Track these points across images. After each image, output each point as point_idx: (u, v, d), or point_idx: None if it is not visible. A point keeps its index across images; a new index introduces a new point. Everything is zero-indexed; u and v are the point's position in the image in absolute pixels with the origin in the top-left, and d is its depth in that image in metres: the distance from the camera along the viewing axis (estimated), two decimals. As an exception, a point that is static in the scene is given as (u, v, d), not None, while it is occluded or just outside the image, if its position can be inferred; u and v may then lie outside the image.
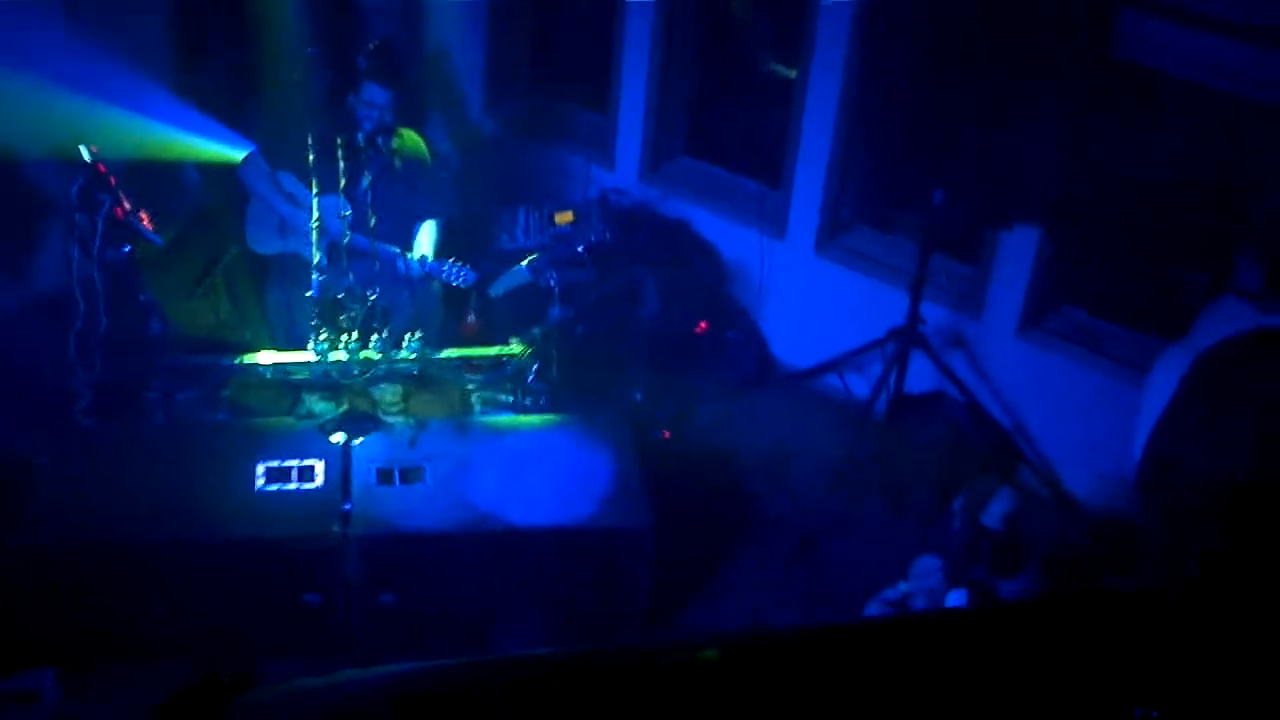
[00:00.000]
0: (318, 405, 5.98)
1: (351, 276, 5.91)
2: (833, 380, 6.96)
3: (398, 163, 6.11)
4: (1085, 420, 6.32)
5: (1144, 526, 5.45)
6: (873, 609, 5.53)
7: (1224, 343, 4.99)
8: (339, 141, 5.70)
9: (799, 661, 1.71)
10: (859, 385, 6.76)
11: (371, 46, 6.09)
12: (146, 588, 5.31)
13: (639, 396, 6.81)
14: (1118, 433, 5.81)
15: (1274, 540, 5.06)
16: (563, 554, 5.53)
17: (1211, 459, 5.01)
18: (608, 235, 6.95)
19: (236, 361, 6.08)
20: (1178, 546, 5.26)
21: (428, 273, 6.05)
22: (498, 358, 6.27)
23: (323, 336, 5.97)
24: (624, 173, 7.41)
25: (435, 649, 5.52)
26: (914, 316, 6.29)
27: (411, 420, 5.88)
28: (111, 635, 5.35)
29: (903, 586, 5.61)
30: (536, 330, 6.25)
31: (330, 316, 5.97)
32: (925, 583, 5.55)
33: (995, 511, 5.20)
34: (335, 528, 5.35)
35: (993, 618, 1.75)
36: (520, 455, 5.73)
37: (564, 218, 6.99)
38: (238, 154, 6.19)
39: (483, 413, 6.16)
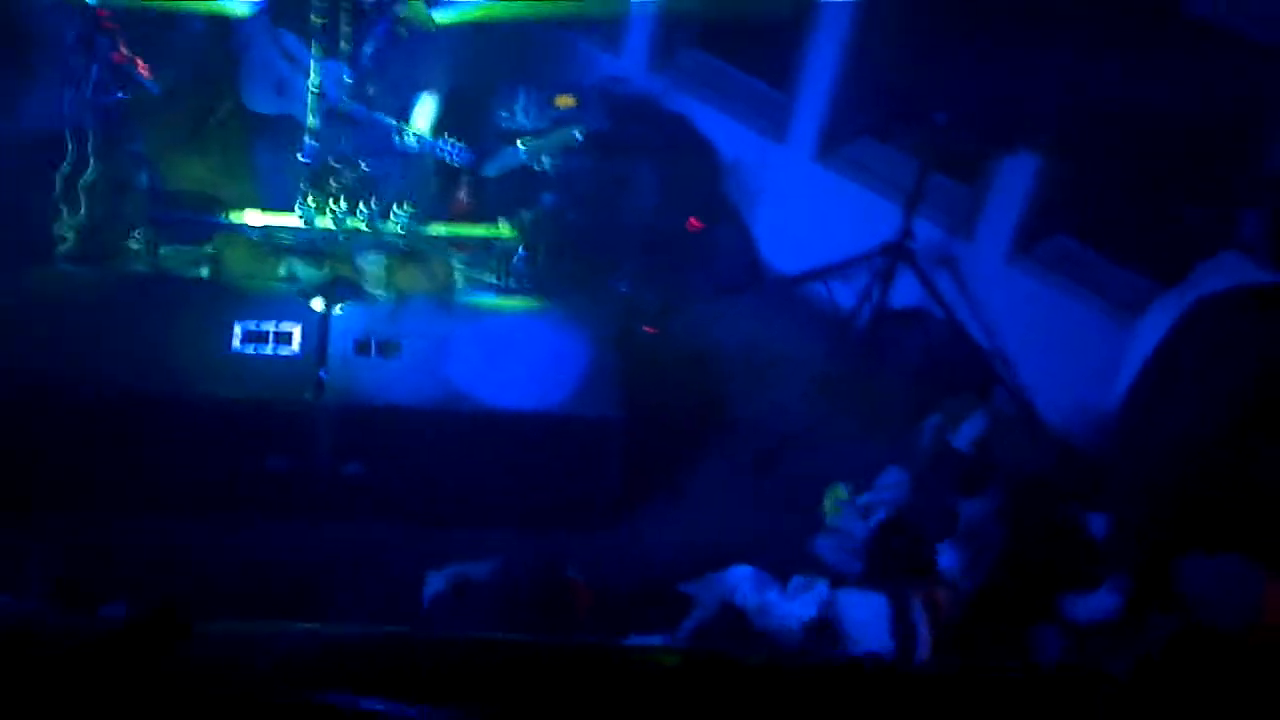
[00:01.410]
0: (301, 270, 5.96)
1: (345, 144, 5.85)
2: (819, 289, 6.94)
3: (403, 32, 6.02)
4: (1065, 351, 6.32)
5: (1113, 462, 5.49)
6: (836, 518, 5.58)
7: (1220, 294, 4.99)
8: (345, 5, 5.62)
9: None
10: (844, 296, 6.74)
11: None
12: (113, 437, 5.32)
13: (625, 289, 6.79)
14: (1096, 366, 5.84)
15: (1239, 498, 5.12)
16: (533, 439, 5.55)
17: (1194, 407, 5.04)
18: (607, 124, 6.88)
19: (222, 219, 6.04)
20: (1145, 486, 5.31)
21: (422, 147, 6.00)
22: (486, 238, 6.24)
23: (311, 202, 5.93)
24: (632, 61, 7.32)
25: (397, 523, 5.57)
26: (905, 232, 6.26)
27: (394, 294, 5.87)
28: (75, 482, 5.38)
29: (869, 497, 5.66)
30: (527, 214, 6.21)
31: (320, 183, 5.93)
32: (889, 495, 5.61)
33: (966, 434, 5.24)
34: (308, 395, 5.36)
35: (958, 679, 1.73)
36: (499, 338, 5.73)
37: (565, 101, 6.90)
38: (243, 8, 6.09)
39: (466, 292, 6.15)
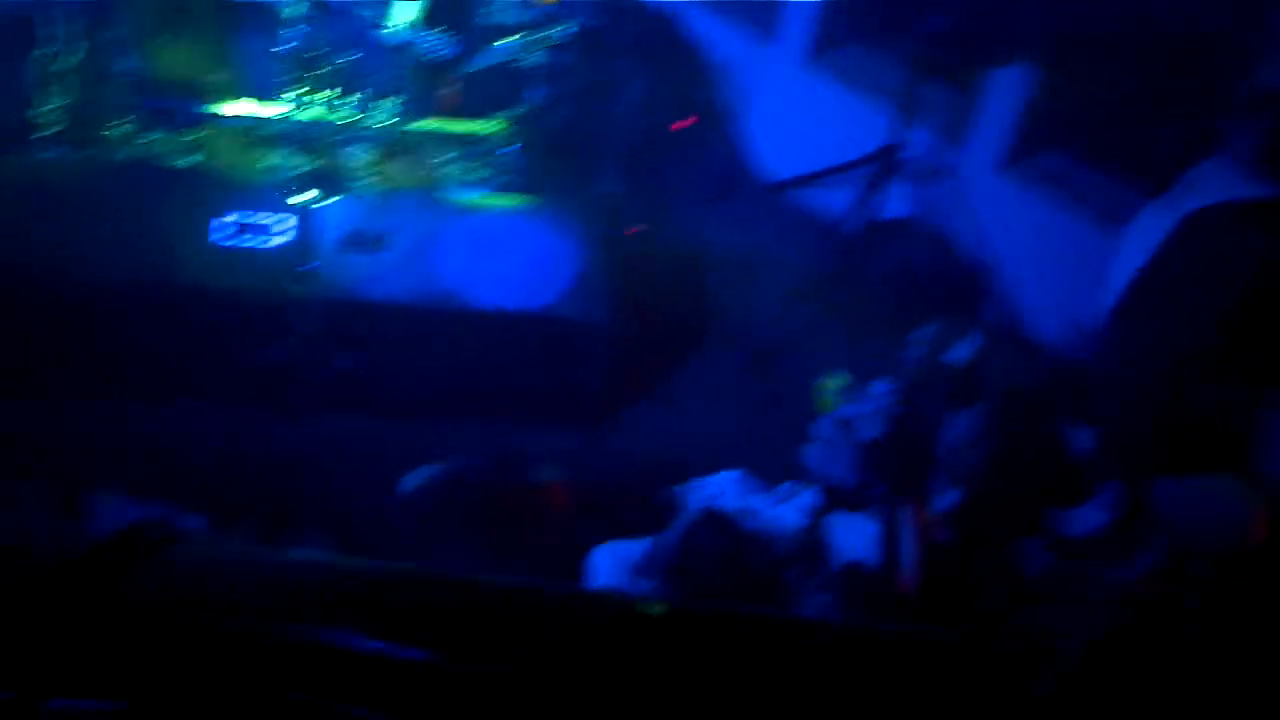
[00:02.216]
0: (288, 162, 5.88)
1: (328, 34, 5.75)
2: (808, 195, 6.90)
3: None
4: (1056, 264, 6.30)
5: (1101, 375, 5.50)
6: (821, 427, 5.57)
7: (1211, 209, 4.97)
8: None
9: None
10: (834, 204, 6.70)
11: None
12: (99, 328, 5.28)
13: (612, 189, 6.74)
14: (1086, 280, 5.82)
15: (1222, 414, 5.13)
16: (519, 339, 5.53)
17: (1181, 322, 5.05)
18: (595, 21, 6.77)
19: (209, 108, 5.94)
20: (1132, 401, 5.32)
21: (411, 39, 5.90)
22: (474, 134, 6.16)
23: (298, 92, 5.84)
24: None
25: (382, 418, 5.56)
26: (897, 140, 6.21)
27: (381, 188, 5.81)
28: (62, 371, 5.34)
29: (854, 408, 5.66)
30: (515, 111, 6.14)
31: (308, 73, 5.83)
32: (875, 406, 5.61)
33: (959, 351, 5.21)
34: (294, 288, 5.31)
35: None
36: (487, 235, 5.69)
37: (545, -3, 6.78)
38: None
39: (453, 188, 6.09)
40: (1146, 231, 5.21)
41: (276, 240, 5.41)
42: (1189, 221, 4.97)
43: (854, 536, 4.79)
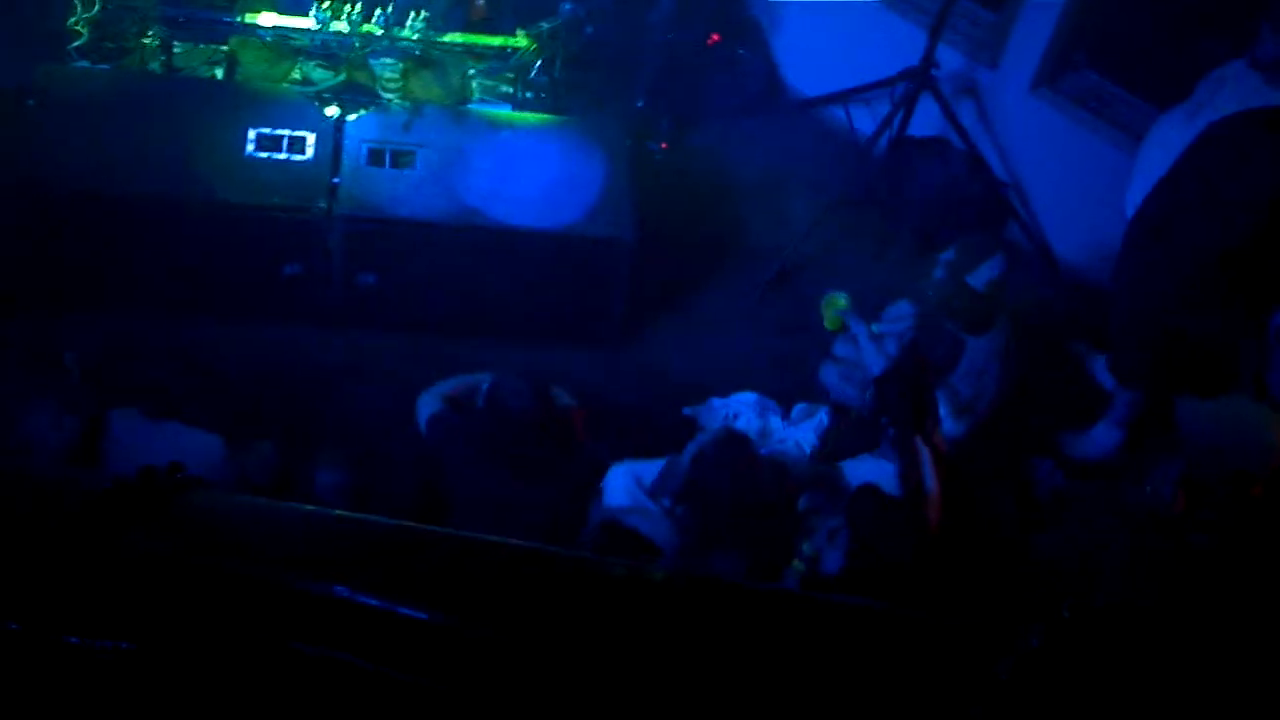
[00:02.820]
0: (315, 74, 5.88)
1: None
2: (838, 113, 6.86)
3: None
4: (1084, 186, 6.27)
5: (1118, 296, 5.49)
6: (840, 348, 5.59)
7: (1232, 117, 4.92)
8: None
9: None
10: (864, 121, 6.67)
11: None
12: (127, 239, 5.34)
13: (641, 104, 6.72)
14: (1114, 203, 5.79)
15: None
16: (544, 257, 5.56)
17: (1202, 230, 5.01)
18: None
19: (237, 20, 5.94)
20: (1147, 322, 5.32)
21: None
22: (502, 48, 6.14)
23: (325, 5, 5.83)
24: None
25: (406, 333, 5.62)
26: (929, 59, 6.16)
27: (408, 102, 5.81)
28: (91, 283, 5.42)
29: (875, 328, 5.67)
30: (545, 24, 6.10)
31: (335, -15, 5.82)
32: (897, 327, 5.62)
33: (983, 274, 5.19)
34: (321, 202, 5.35)
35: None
36: (513, 152, 5.70)
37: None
38: None
39: (481, 102, 6.09)
40: (1165, 141, 5.16)
41: (305, 154, 5.44)
42: (1209, 131, 4.92)
43: (868, 467, 4.81)
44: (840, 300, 5.40)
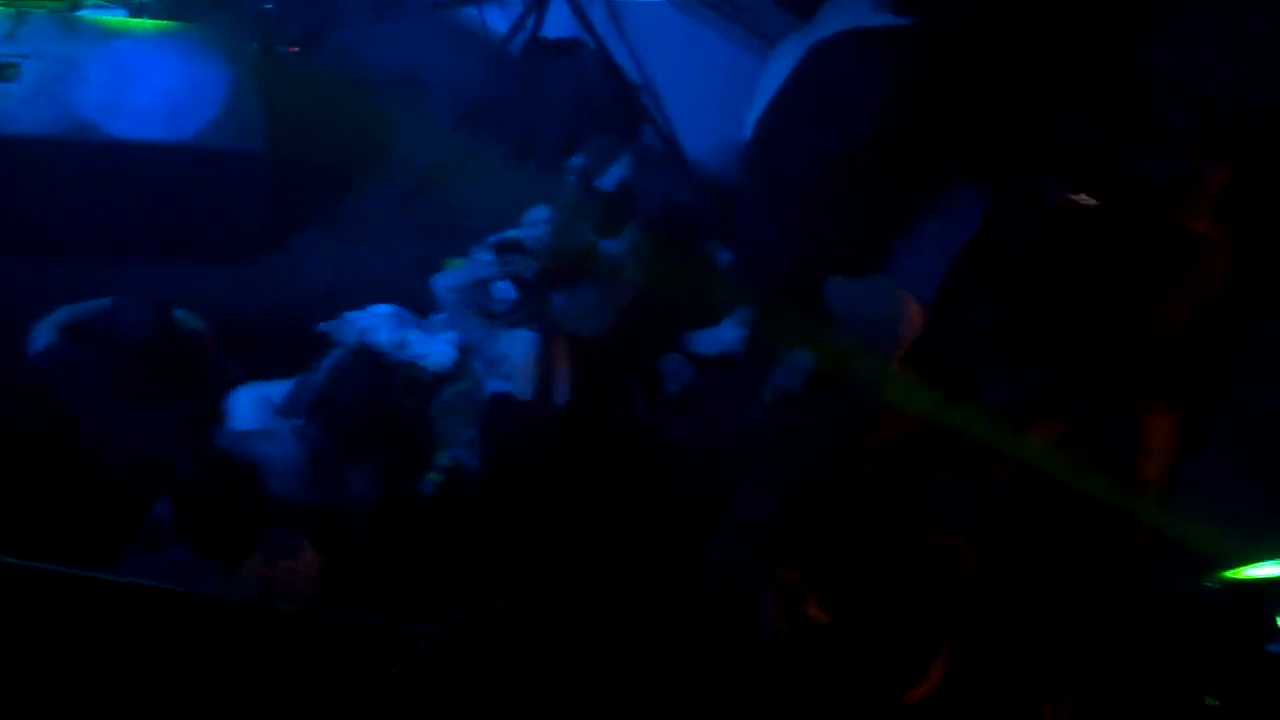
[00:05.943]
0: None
1: None
2: (472, 13, 6.81)
3: None
4: (718, 91, 6.42)
5: (742, 197, 5.71)
6: (480, 253, 5.61)
7: (837, 35, 5.16)
8: None
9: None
10: (499, 22, 6.64)
11: None
12: None
13: (269, 6, 6.50)
14: (742, 105, 5.98)
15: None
16: (168, 171, 5.38)
17: (810, 142, 5.26)
18: None
19: None
20: (769, 221, 5.56)
21: None
22: (113, -52, 5.84)
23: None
24: None
25: (28, 257, 5.35)
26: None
27: (11, 9, 5.48)
28: None
29: (513, 233, 5.72)
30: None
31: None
32: (534, 232, 5.68)
33: (612, 176, 5.30)
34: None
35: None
36: (130, 61, 5.45)
37: None
38: None
39: (94, 10, 5.78)
40: (783, 58, 5.38)
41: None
42: (817, 48, 5.15)
43: (509, 364, 4.89)
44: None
